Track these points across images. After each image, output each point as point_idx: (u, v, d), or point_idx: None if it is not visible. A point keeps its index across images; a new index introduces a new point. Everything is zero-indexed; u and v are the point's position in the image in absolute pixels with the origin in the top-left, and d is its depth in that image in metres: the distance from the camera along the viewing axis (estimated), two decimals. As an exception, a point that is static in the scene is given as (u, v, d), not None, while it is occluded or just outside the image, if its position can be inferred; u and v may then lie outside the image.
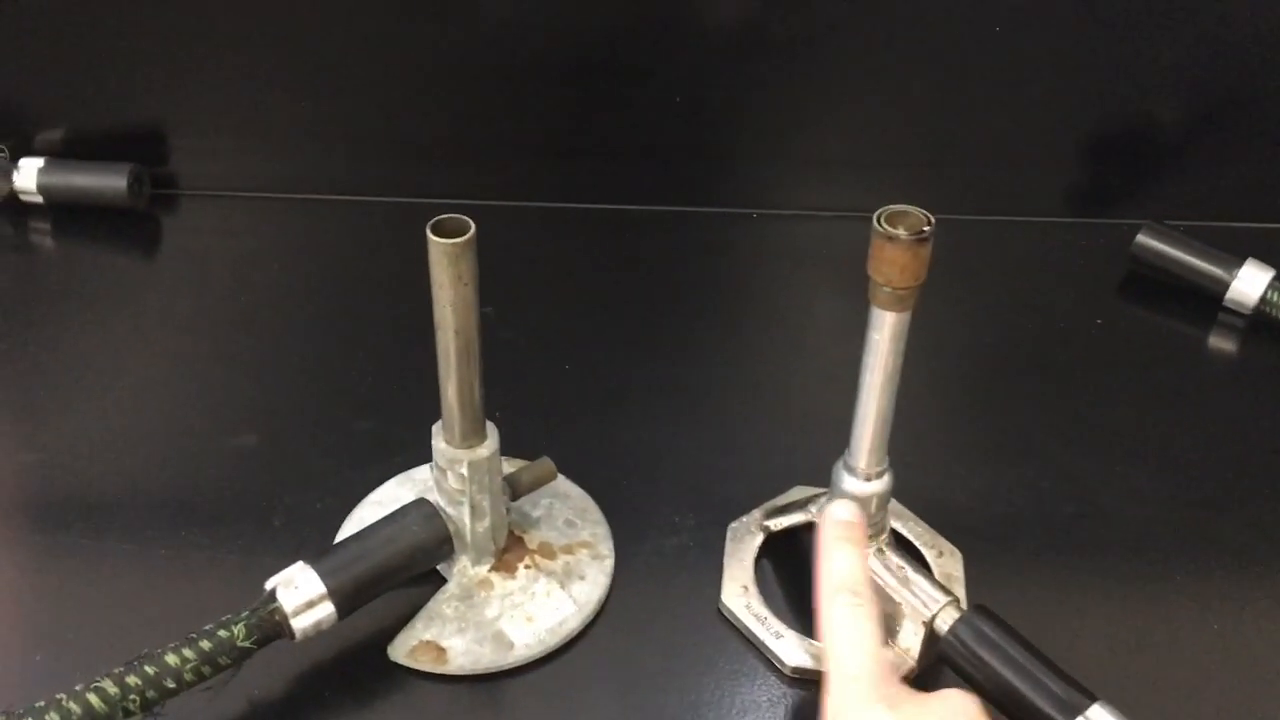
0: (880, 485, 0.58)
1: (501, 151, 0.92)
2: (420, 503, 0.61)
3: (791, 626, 0.60)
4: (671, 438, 0.73)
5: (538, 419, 0.72)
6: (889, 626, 0.59)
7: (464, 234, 0.52)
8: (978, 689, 0.55)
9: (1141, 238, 0.84)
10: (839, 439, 0.60)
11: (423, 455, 0.68)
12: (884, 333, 0.53)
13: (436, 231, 0.52)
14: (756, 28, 0.86)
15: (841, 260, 0.87)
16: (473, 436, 0.59)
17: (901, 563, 0.59)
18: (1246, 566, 0.65)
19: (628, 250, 0.90)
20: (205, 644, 0.55)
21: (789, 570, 0.64)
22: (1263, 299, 0.80)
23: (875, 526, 0.60)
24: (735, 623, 0.61)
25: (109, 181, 0.88)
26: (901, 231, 0.50)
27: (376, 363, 0.78)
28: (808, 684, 0.59)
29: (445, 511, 0.61)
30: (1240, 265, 0.81)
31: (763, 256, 0.90)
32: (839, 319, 0.82)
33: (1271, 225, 0.90)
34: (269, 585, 0.57)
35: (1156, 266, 0.84)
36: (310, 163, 0.93)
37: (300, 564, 0.57)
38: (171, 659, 0.54)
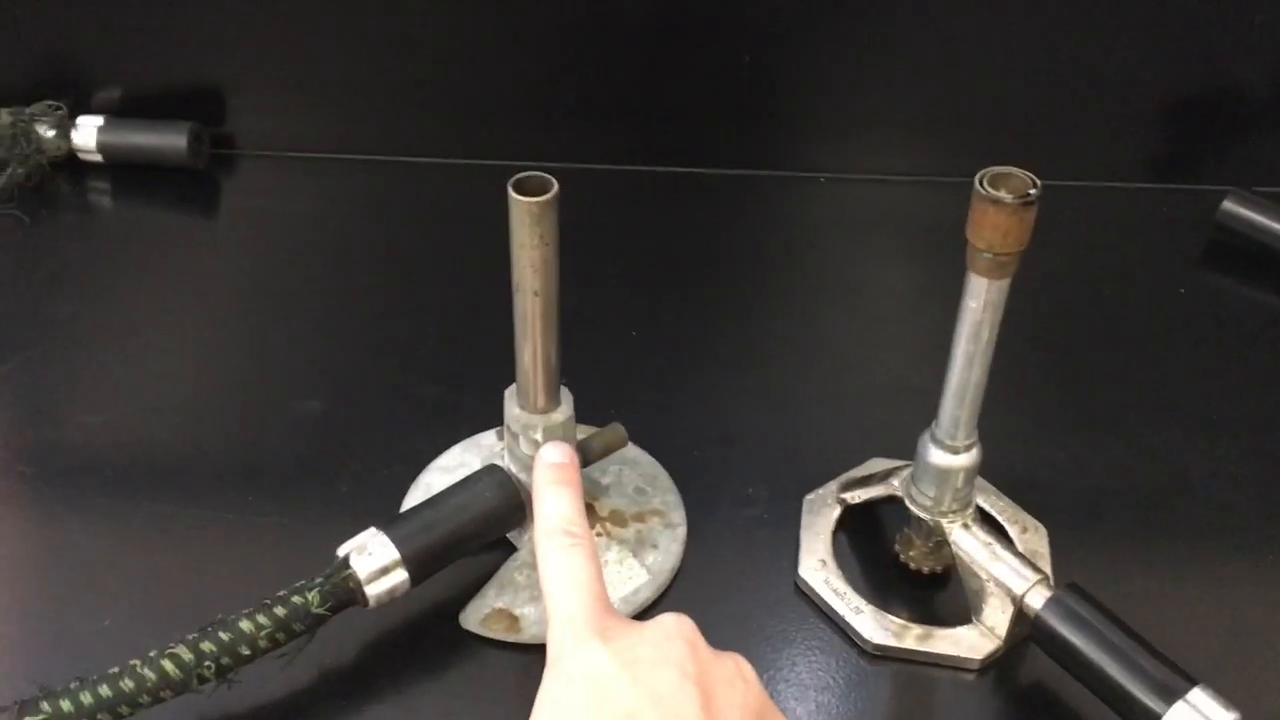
0: (969, 459, 0.57)
1: (566, 113, 0.90)
2: (492, 469, 0.60)
3: (871, 601, 0.59)
4: (743, 407, 0.71)
5: (605, 387, 0.70)
6: (974, 603, 0.57)
7: (547, 192, 0.51)
8: (1070, 670, 0.53)
9: (1227, 204, 0.81)
10: (917, 410, 0.58)
11: (489, 421, 0.67)
12: (981, 300, 0.51)
13: (519, 189, 0.51)
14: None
15: (916, 226, 0.86)
16: (548, 402, 0.57)
17: (989, 538, 0.57)
18: (1341, 544, 0.63)
19: (695, 214, 0.88)
20: (279, 610, 0.54)
21: (867, 544, 0.63)
22: (1353, 269, 0.77)
23: (961, 501, 0.58)
24: (813, 597, 0.60)
25: (169, 140, 0.87)
26: (1005, 194, 0.48)
27: (442, 327, 0.77)
28: (889, 660, 0.57)
29: (517, 478, 0.59)
30: (1329, 234, 0.78)
31: (833, 221, 0.88)
32: (914, 286, 0.81)
33: (1360, 193, 0.87)
34: (342, 551, 0.56)
35: (1242, 234, 0.81)
36: (371, 123, 0.91)
37: (373, 530, 0.56)
38: (246, 625, 0.53)
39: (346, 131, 0.91)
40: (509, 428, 0.59)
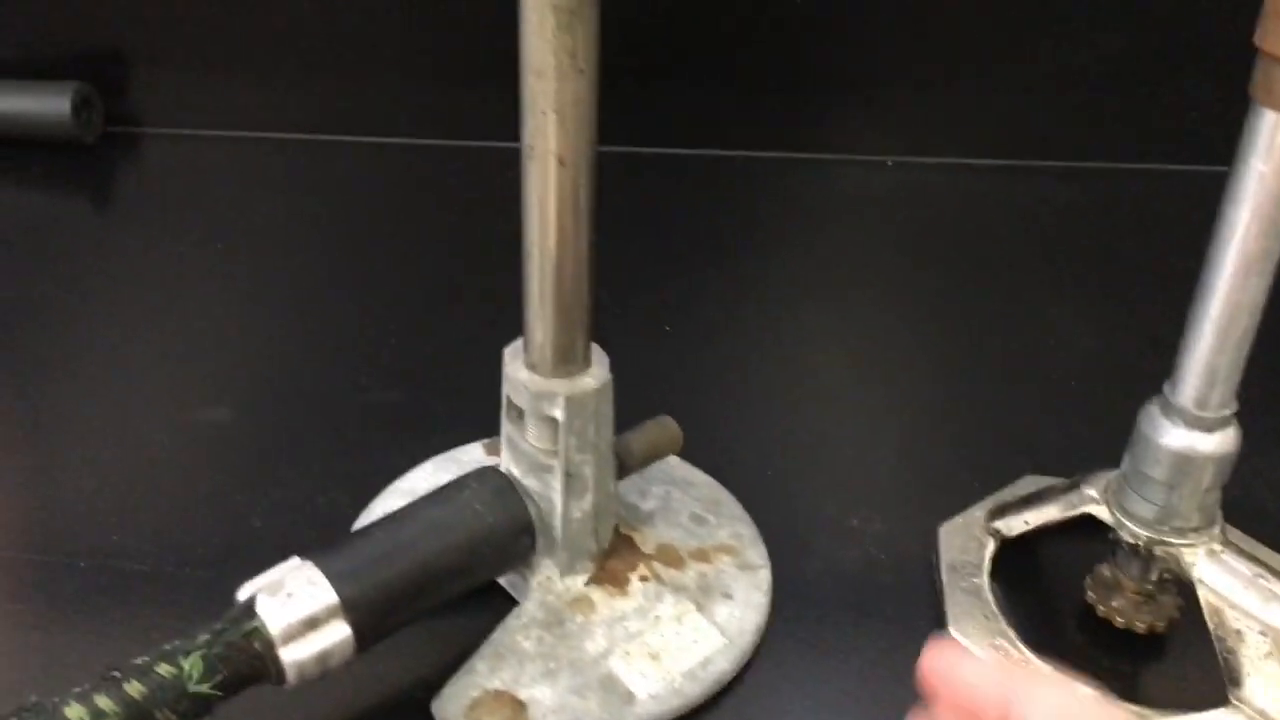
0: (1225, 440, 0.37)
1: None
2: (487, 473, 0.39)
3: (1069, 671, 0.38)
4: (825, 416, 0.52)
5: (635, 392, 0.49)
6: (1232, 672, 0.37)
7: (585, -14, 0.32)
8: None
9: None
10: (1067, 419, 0.46)
11: (467, 435, 0.47)
12: (1275, 156, 0.32)
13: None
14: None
15: (1013, 214, 0.67)
16: (572, 357, 0.37)
17: (1254, 568, 0.37)
18: None
19: (745, 200, 0.69)
20: (134, 688, 0.32)
21: (1040, 592, 0.43)
22: None
23: (1207, 513, 0.38)
24: (974, 668, 0.39)
25: (49, 104, 0.68)
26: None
27: (396, 323, 0.57)
28: (1106, 763, 0.37)
29: (522, 485, 0.39)
30: None
31: (909, 207, 0.69)
32: (1044, 277, 0.62)
33: None
34: (245, 593, 0.35)
35: None
36: (298, 98, 0.72)
37: (296, 560, 0.35)
38: (75, 713, 0.32)
39: (266, 107, 0.72)
40: (510, 403, 0.38)
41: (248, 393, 0.52)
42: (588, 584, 0.40)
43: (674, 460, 0.46)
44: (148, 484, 0.47)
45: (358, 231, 0.65)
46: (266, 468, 0.47)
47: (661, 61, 0.69)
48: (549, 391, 0.37)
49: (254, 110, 0.72)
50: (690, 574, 0.41)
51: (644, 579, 0.41)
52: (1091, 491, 0.40)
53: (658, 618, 0.40)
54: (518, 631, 0.39)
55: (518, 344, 0.38)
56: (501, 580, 0.41)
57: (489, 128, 0.70)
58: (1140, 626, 0.40)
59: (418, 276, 0.61)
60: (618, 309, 0.57)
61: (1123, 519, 0.39)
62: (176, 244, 0.63)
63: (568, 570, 0.40)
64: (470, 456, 0.47)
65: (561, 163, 0.33)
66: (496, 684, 0.38)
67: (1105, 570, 0.41)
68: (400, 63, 0.71)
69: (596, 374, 0.38)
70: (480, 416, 0.48)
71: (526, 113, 0.33)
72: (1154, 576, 0.40)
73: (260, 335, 0.56)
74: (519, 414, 0.38)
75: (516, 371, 0.38)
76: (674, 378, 0.53)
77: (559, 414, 0.37)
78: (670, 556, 0.42)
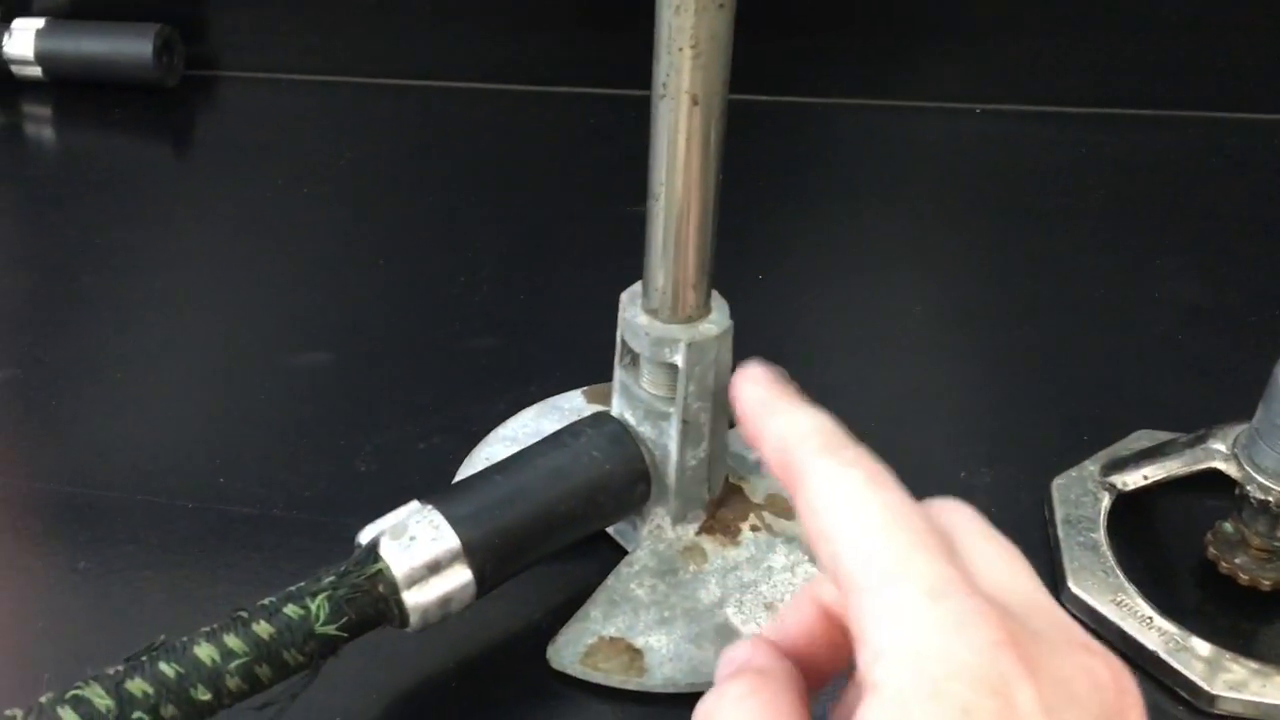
0: (1368, 394, 0.36)
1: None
2: (602, 418, 0.39)
3: (1194, 631, 0.38)
4: (927, 365, 0.51)
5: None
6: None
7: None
8: None
9: None
10: (1173, 373, 0.46)
11: (564, 382, 0.47)
12: None
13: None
14: None
15: (1129, 164, 0.65)
16: (694, 302, 0.36)
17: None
18: None
19: (820, 145, 0.67)
20: (262, 629, 0.32)
21: (1160, 548, 0.42)
22: None
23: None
24: (1098, 627, 0.38)
25: (129, 47, 0.67)
26: None
27: (487, 269, 0.56)
28: (1235, 722, 0.36)
29: (638, 432, 0.38)
30: None
31: (1001, 155, 0.67)
32: (1139, 230, 0.60)
33: None
34: (367, 535, 0.35)
35: None
36: (380, 41, 0.71)
37: (417, 504, 0.35)
38: (205, 653, 0.32)
39: (356, 50, 0.71)
40: (625, 347, 0.38)
41: (343, 338, 0.51)
42: (699, 533, 0.40)
43: (779, 411, 0.45)
44: (250, 428, 0.47)
45: (443, 176, 0.64)
46: (367, 413, 0.47)
47: (745, 8, 0.67)
48: (669, 337, 0.36)
49: (335, 54, 0.71)
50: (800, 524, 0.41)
51: (755, 529, 0.40)
52: (1219, 445, 0.39)
53: (770, 568, 0.39)
54: (630, 579, 0.39)
55: (635, 288, 0.38)
56: (609, 528, 0.41)
57: (575, 73, 0.69)
58: (1265, 584, 0.39)
59: (506, 222, 0.60)
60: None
61: (1253, 473, 0.38)
62: (263, 189, 0.62)
63: (679, 519, 0.39)
64: (572, 404, 0.46)
65: (695, 102, 0.32)
66: (611, 631, 0.37)
67: (1228, 526, 0.40)
68: (484, 7, 0.69)
69: (718, 320, 0.37)
70: (577, 363, 0.47)
71: (661, 50, 0.32)
72: (1283, 531, 0.39)
73: (351, 280, 0.56)
74: (634, 359, 0.38)
75: (635, 316, 0.37)
76: (768, 326, 0.52)
77: (679, 360, 0.36)
78: (780, 507, 0.41)
